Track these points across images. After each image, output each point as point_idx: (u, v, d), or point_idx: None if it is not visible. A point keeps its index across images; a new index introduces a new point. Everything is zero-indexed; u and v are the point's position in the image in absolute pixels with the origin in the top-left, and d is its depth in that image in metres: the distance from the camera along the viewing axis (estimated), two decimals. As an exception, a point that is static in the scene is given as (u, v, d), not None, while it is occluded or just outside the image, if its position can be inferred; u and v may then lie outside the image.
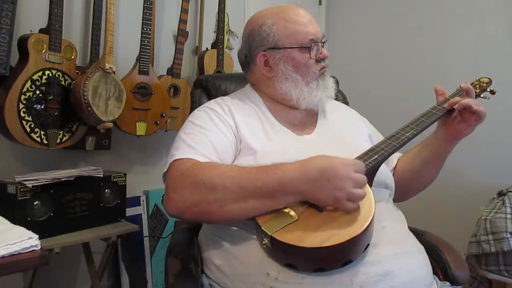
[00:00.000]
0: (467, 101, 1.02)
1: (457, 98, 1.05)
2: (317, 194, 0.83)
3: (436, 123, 1.08)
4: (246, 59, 1.15)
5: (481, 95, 1.17)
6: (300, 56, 1.08)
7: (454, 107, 1.03)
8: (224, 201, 0.85)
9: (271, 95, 1.13)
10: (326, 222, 0.83)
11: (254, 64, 1.13)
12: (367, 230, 0.81)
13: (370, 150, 0.97)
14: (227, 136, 1.02)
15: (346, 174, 0.82)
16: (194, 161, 0.93)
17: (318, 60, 1.10)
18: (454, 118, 1.06)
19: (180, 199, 0.89)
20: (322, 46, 1.10)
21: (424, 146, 1.15)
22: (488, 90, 1.18)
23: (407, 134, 1.00)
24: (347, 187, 0.81)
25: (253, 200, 0.85)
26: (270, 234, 0.81)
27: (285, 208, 0.86)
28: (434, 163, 1.14)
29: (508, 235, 1.64)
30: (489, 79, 1.19)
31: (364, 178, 0.85)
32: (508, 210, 1.71)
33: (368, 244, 0.85)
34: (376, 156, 0.94)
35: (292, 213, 0.85)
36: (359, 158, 0.93)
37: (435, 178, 1.19)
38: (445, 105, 1.05)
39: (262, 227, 0.83)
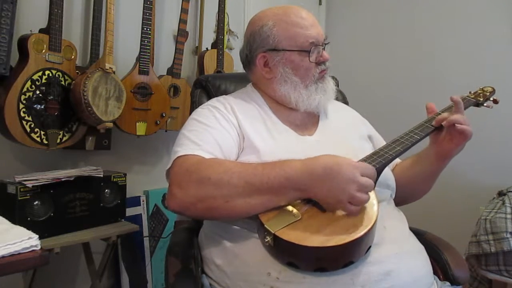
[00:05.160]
0: (454, 117, 0.98)
1: (445, 115, 1.01)
2: (319, 192, 0.83)
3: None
4: (247, 59, 1.15)
5: (484, 104, 1.17)
6: (299, 59, 1.07)
7: (443, 123, 1.00)
8: (230, 197, 0.85)
9: (271, 95, 1.13)
10: (329, 222, 0.83)
11: (254, 65, 1.13)
12: (369, 233, 0.81)
13: (374, 153, 0.96)
14: (230, 134, 1.02)
15: (351, 176, 0.81)
16: (198, 157, 0.93)
17: (318, 63, 1.08)
18: (443, 137, 1.02)
19: (185, 195, 0.88)
20: (323, 49, 1.09)
21: (417, 161, 1.13)
22: (491, 99, 1.18)
23: (411, 139, 1.00)
24: (351, 190, 0.81)
25: (259, 196, 0.85)
26: (273, 232, 0.81)
27: (289, 206, 0.86)
28: (426, 179, 1.14)
29: (508, 235, 1.64)
30: (493, 88, 1.19)
31: (371, 183, 0.83)
32: (508, 210, 1.70)
33: (370, 246, 0.85)
34: (380, 159, 0.94)
35: (295, 212, 0.85)
36: (363, 160, 0.93)
37: (428, 191, 1.17)
38: (433, 123, 1.02)
39: (265, 225, 0.83)
